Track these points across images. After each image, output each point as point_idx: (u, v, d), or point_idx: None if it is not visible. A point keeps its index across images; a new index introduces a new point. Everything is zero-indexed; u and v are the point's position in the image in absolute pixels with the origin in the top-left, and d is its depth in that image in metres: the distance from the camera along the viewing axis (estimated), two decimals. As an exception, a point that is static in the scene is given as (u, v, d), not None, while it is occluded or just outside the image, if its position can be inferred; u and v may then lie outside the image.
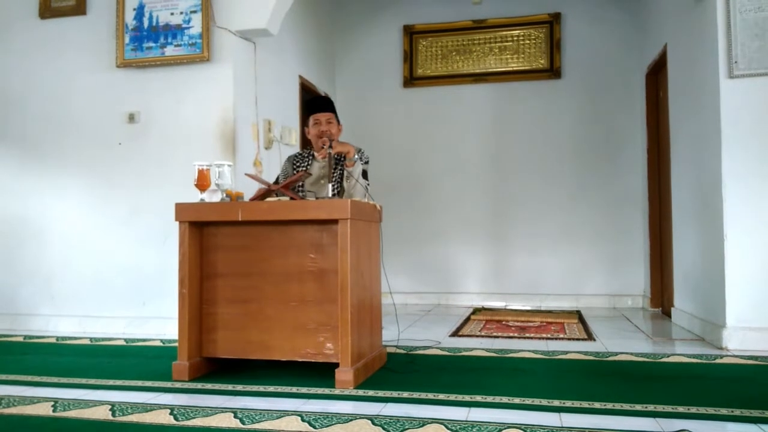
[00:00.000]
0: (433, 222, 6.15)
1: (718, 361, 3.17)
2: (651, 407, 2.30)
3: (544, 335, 4.04)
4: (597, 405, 2.35)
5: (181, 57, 4.18)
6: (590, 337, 3.96)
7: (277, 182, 3.41)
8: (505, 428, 2.08)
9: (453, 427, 2.10)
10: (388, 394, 2.56)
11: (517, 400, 2.42)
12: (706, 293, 3.84)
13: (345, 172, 3.27)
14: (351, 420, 2.21)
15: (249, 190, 3.36)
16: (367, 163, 3.36)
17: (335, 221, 2.73)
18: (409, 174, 6.21)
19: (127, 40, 4.26)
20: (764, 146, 3.49)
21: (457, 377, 2.87)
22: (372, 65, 6.41)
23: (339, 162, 3.34)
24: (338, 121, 3.44)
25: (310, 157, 3.44)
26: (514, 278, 5.95)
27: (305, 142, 5.40)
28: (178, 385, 2.78)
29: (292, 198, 2.93)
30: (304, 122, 5.35)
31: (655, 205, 5.39)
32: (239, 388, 2.69)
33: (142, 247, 4.25)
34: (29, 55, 4.56)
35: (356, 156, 3.23)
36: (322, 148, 3.24)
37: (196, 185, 2.93)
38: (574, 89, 5.95)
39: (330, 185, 2.94)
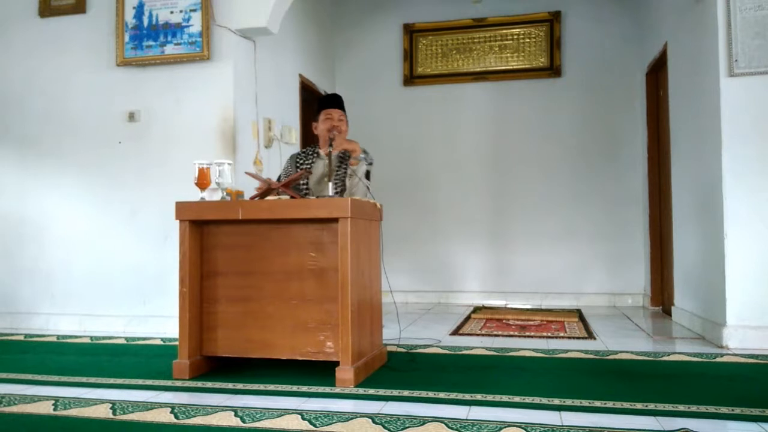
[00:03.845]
0: (433, 220, 6.15)
1: (719, 359, 3.17)
2: (651, 406, 2.30)
3: (544, 334, 4.05)
4: (597, 403, 2.35)
5: (180, 56, 4.18)
6: (591, 335, 3.96)
7: (278, 181, 3.40)
8: (505, 427, 2.08)
9: (453, 426, 2.10)
10: (388, 392, 2.56)
11: (517, 399, 2.42)
12: (706, 292, 3.84)
13: (349, 170, 3.26)
14: (351, 418, 2.21)
15: (249, 188, 3.36)
16: (371, 164, 3.35)
17: (335, 220, 2.73)
18: (410, 173, 6.20)
19: (126, 38, 4.26)
20: (765, 144, 3.48)
21: (458, 376, 2.87)
22: (372, 64, 6.41)
23: (344, 160, 3.33)
24: (347, 121, 3.44)
25: (315, 155, 3.44)
26: (514, 277, 5.95)
27: (306, 141, 5.40)
28: (178, 383, 2.78)
29: (292, 197, 2.93)
30: (304, 121, 5.39)
31: (656, 203, 5.39)
32: (240, 386, 2.69)
33: (143, 245, 4.25)
34: (29, 53, 4.56)
35: (362, 155, 3.22)
36: (326, 142, 3.20)
37: (197, 184, 2.93)
38: (575, 88, 5.94)
39: (331, 184, 2.93)
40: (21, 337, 4.12)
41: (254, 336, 2.88)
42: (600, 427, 2.07)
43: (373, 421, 2.17)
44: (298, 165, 3.43)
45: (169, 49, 4.19)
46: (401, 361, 3.16)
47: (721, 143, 3.53)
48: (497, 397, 2.44)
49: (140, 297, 4.24)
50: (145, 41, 4.23)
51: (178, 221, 2.94)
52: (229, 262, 2.94)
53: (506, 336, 3.98)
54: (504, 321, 4.64)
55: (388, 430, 2.08)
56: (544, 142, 5.97)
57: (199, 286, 2.96)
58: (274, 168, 4.62)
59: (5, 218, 4.57)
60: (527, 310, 5.35)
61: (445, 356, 3.34)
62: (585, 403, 2.37)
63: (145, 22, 4.23)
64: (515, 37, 6.11)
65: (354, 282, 2.74)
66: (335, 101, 3.44)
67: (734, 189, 3.50)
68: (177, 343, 2.95)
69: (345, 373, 2.67)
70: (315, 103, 5.60)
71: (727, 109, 3.52)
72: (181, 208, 2.93)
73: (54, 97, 4.49)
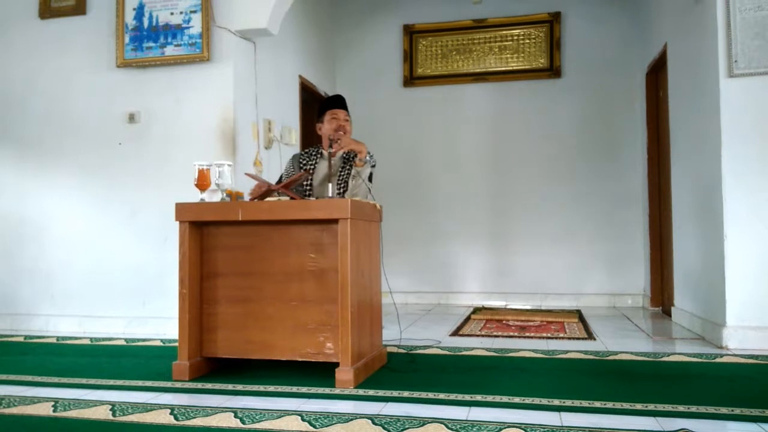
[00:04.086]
0: (433, 221, 6.15)
1: (718, 360, 3.17)
2: (651, 406, 2.30)
3: (544, 334, 4.04)
4: (597, 404, 2.35)
5: (181, 57, 4.18)
6: (590, 336, 3.96)
7: (280, 181, 3.40)
8: (505, 427, 2.08)
9: (453, 427, 2.10)
10: (388, 393, 2.56)
11: (517, 400, 2.42)
12: (706, 292, 3.84)
13: (353, 171, 3.25)
14: (351, 419, 2.21)
15: (249, 189, 3.35)
16: (374, 166, 3.35)
17: (335, 221, 2.73)
18: (409, 173, 6.20)
19: (127, 40, 4.26)
20: (764, 145, 3.48)
21: (458, 377, 2.87)
22: (372, 65, 6.42)
23: (348, 161, 3.33)
24: (351, 122, 3.43)
25: (318, 155, 3.43)
26: (514, 277, 5.95)
27: (305, 142, 5.40)
28: (178, 384, 2.78)
29: (291, 198, 2.93)
30: (304, 122, 5.39)
31: (656, 204, 5.39)
32: (239, 387, 2.69)
33: (143, 246, 4.25)
34: (29, 55, 4.56)
35: (367, 157, 3.22)
36: (333, 140, 3.19)
37: (197, 185, 2.93)
38: (575, 88, 5.94)
39: (330, 186, 2.93)
40: (21, 339, 4.12)
41: (254, 337, 2.88)
42: (600, 428, 2.07)
43: (373, 422, 2.17)
44: (301, 165, 3.42)
45: (169, 51, 4.19)
46: (401, 362, 3.16)
47: (720, 144, 3.53)
48: (497, 398, 2.44)
49: (140, 298, 4.25)
50: (146, 42, 4.23)
51: (177, 222, 2.94)
52: (229, 263, 2.94)
53: (506, 337, 3.98)
54: (504, 322, 4.64)
55: (388, 431, 2.08)
56: (543, 143, 5.98)
57: (199, 287, 2.96)
58: (274, 169, 4.63)
59: (5, 218, 4.57)
60: (527, 310, 5.35)
61: (445, 357, 3.34)
62: (585, 403, 2.37)
63: (146, 24, 4.23)
64: (515, 38, 6.11)
65: (354, 283, 2.74)
66: (340, 102, 3.44)
67: (734, 189, 3.50)
68: (177, 344, 2.95)
69: (345, 374, 2.67)
70: (315, 104, 5.61)
71: (726, 109, 3.53)
72: (181, 209, 2.94)
73: (54, 98, 4.49)
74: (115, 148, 4.35)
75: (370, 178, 3.33)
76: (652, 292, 5.41)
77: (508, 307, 5.74)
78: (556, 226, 5.90)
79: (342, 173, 3.30)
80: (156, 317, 4.17)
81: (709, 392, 2.54)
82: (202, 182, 2.93)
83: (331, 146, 3.08)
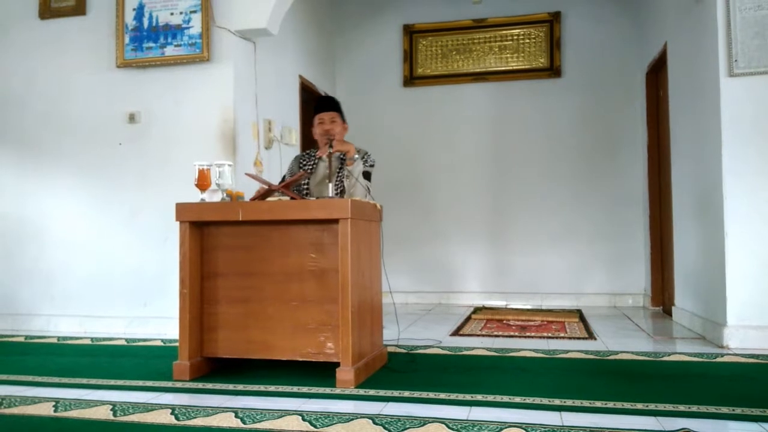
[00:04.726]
0: (433, 221, 6.15)
1: (719, 359, 3.17)
2: (652, 406, 2.30)
3: (544, 334, 4.04)
4: (598, 404, 2.35)
5: (181, 57, 4.18)
6: (591, 336, 3.96)
7: (282, 181, 3.42)
8: (505, 427, 2.08)
9: (454, 427, 2.10)
10: (389, 393, 2.56)
11: (518, 399, 2.42)
12: (706, 292, 3.84)
13: (345, 171, 3.27)
14: (352, 419, 2.21)
15: (249, 190, 3.36)
16: (372, 166, 3.36)
17: (336, 221, 2.73)
18: (410, 173, 6.21)
19: (127, 40, 4.26)
20: (764, 144, 3.48)
21: (458, 376, 2.87)
22: (372, 65, 6.42)
23: (343, 162, 3.34)
24: (343, 120, 3.44)
25: (317, 157, 3.44)
26: (514, 277, 5.95)
27: (306, 142, 5.40)
28: (179, 384, 2.78)
29: (292, 198, 2.93)
30: (304, 122, 5.39)
31: (656, 203, 5.39)
32: (240, 387, 2.69)
33: (143, 247, 4.25)
34: (29, 55, 4.56)
35: (356, 155, 3.23)
36: (325, 145, 3.23)
37: (197, 185, 2.93)
38: (575, 88, 5.94)
39: (330, 185, 2.93)
40: (21, 339, 4.12)
41: (255, 337, 2.88)
42: (600, 428, 2.07)
43: (374, 422, 2.17)
44: (301, 166, 3.43)
45: (169, 51, 4.19)
46: (402, 362, 3.16)
47: (721, 143, 3.53)
48: (498, 398, 2.44)
49: (141, 298, 4.25)
50: (145, 43, 4.23)
51: (178, 222, 2.94)
52: (230, 263, 2.95)
53: (507, 336, 3.98)
54: (504, 321, 4.64)
55: (389, 430, 2.08)
56: (544, 143, 5.97)
57: (200, 287, 2.96)
58: (275, 169, 4.63)
59: (5, 219, 4.57)
60: (527, 310, 5.35)
61: (445, 357, 3.34)
62: (585, 403, 2.37)
63: (145, 24, 4.23)
64: (515, 37, 6.11)
65: (354, 283, 2.74)
66: (325, 104, 3.46)
67: (734, 188, 3.50)
68: (177, 344, 2.95)
69: (345, 374, 2.67)
70: (314, 104, 5.61)
71: (727, 109, 3.52)
72: (181, 209, 2.94)
73: (54, 98, 4.49)
74: (115, 149, 4.35)
75: (368, 178, 3.33)
76: (652, 291, 5.41)
77: (508, 306, 5.74)
78: (556, 225, 5.90)
79: (338, 174, 3.31)
80: (157, 317, 4.17)
81: (709, 392, 2.54)
82: (203, 182, 2.93)
83: (331, 145, 3.09)
